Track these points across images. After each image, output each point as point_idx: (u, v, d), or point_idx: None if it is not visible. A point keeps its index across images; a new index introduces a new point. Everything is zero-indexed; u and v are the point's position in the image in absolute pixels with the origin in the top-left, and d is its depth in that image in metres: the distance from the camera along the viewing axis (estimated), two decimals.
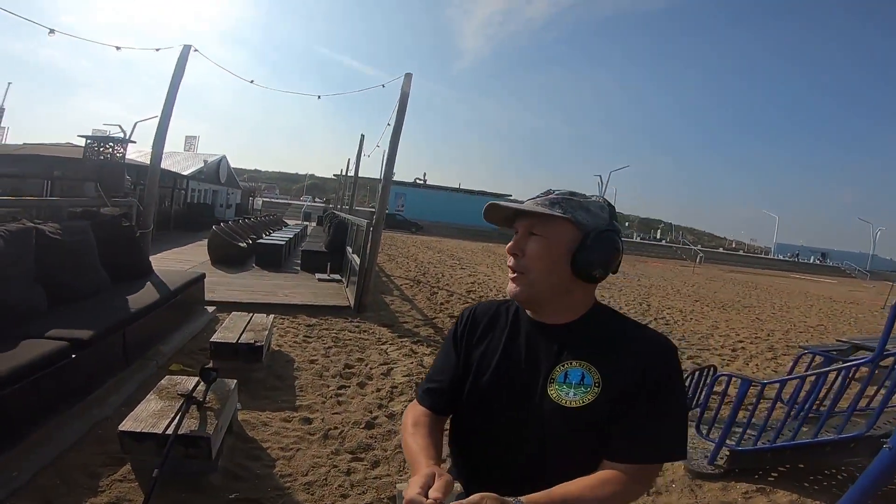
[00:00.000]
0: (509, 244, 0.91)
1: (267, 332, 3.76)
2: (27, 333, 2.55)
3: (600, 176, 49.99)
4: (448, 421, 1.03)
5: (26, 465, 2.08)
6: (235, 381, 2.62)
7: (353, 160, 18.70)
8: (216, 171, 22.64)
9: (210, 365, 3.24)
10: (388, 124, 6.82)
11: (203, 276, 5.22)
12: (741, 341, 7.08)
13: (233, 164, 26.18)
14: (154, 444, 1.96)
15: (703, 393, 3.10)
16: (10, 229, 2.84)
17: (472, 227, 35.44)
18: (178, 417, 1.97)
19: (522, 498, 0.69)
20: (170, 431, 1.91)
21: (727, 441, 2.71)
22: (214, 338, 3.48)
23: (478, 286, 10.25)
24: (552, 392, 0.85)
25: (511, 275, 0.90)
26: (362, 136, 17.22)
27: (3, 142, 21.76)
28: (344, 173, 25.21)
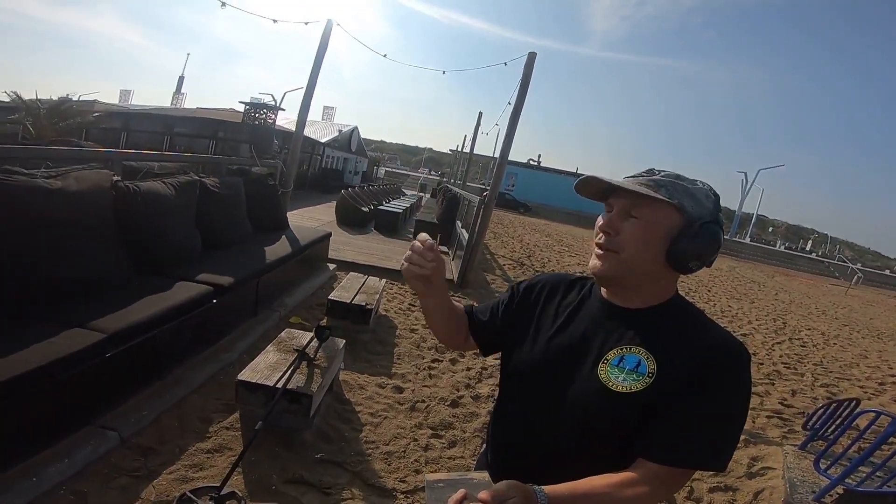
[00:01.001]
0: (601, 221, 0.83)
1: (378, 296, 3.93)
2: (182, 275, 2.91)
3: (745, 173, 43.11)
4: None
5: (154, 403, 2.30)
6: (344, 341, 2.77)
7: (469, 137, 18.76)
8: (348, 141, 24.51)
9: (325, 322, 3.48)
10: (509, 103, 6.62)
11: (329, 234, 5.65)
12: (894, 375, 6.04)
13: (362, 135, 28.03)
14: (263, 396, 2.13)
15: (838, 427, 2.90)
16: (180, 181, 3.30)
17: (586, 213, 33.52)
18: (288, 372, 2.11)
19: (546, 488, 0.66)
20: (279, 385, 2.04)
21: (846, 480, 2.45)
22: (332, 295, 3.72)
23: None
24: (602, 373, 0.80)
25: (598, 251, 0.83)
26: (480, 113, 17.24)
27: (182, 106, 25.73)
28: (460, 149, 25.48)
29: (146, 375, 2.38)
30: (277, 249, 4.18)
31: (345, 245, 7.41)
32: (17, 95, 10.89)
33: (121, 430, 2.05)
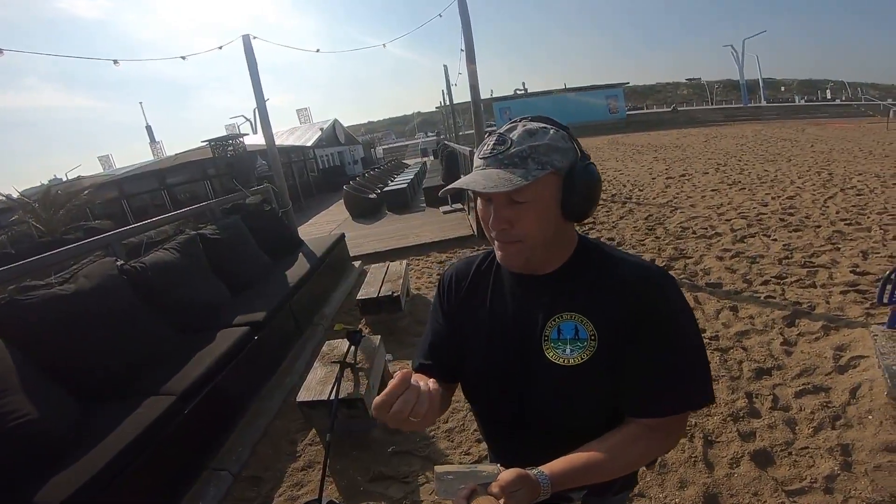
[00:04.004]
0: (489, 218, 0.75)
1: (402, 280, 3.97)
2: (220, 323, 3.07)
3: (731, 46, 41.27)
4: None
5: (246, 438, 2.56)
6: (380, 336, 2.84)
7: (446, 90, 18.24)
8: (333, 134, 24.25)
9: (354, 326, 3.57)
10: (462, 49, 6.41)
11: (342, 235, 5.70)
12: None
13: (347, 122, 27.66)
14: (324, 409, 2.26)
15: None
16: (180, 242, 3.38)
17: (589, 123, 32.59)
18: (335, 384, 2.18)
19: (545, 470, 0.66)
20: (332, 397, 2.13)
21: None
22: (359, 295, 3.80)
23: (608, 184, 9.39)
24: (549, 352, 0.77)
25: (499, 242, 0.77)
26: (445, 66, 16.62)
27: (164, 154, 25.91)
28: (443, 104, 24.81)
29: (230, 416, 2.65)
30: (298, 269, 4.27)
31: (363, 238, 7.49)
32: (7, 196, 11.20)
33: (230, 468, 2.34)
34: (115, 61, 5.06)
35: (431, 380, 0.66)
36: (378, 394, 0.64)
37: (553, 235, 0.76)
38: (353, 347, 2.52)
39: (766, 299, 3.33)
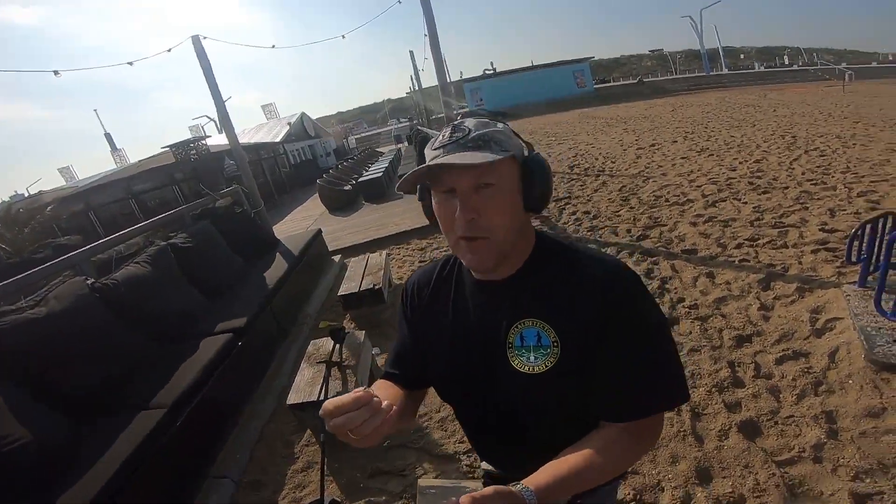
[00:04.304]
0: (452, 213, 0.70)
1: (383, 272, 3.92)
2: (202, 332, 3.01)
3: (689, 17, 42.47)
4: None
5: (243, 443, 2.54)
6: (364, 331, 2.82)
7: (414, 76, 18.06)
8: (302, 128, 23.69)
9: (339, 323, 3.52)
10: (425, 34, 6.30)
11: (319, 231, 5.60)
12: None
13: (316, 114, 27.15)
14: (316, 410, 2.20)
15: (883, 253, 2.31)
16: (150, 253, 3.28)
17: (559, 99, 33.25)
18: (323, 384, 2.16)
19: (531, 485, 0.62)
20: (322, 398, 2.10)
21: None
22: (341, 291, 3.74)
23: (580, 158, 9.47)
24: (514, 360, 0.75)
25: (466, 242, 0.71)
26: (411, 52, 16.43)
27: (127, 162, 24.95)
28: (413, 89, 24.52)
29: (223, 424, 2.62)
30: (276, 270, 4.18)
31: (341, 231, 7.39)
32: None
33: (230, 474, 2.33)
34: (56, 72, 4.79)
35: (387, 402, 0.61)
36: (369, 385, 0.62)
37: (519, 230, 0.74)
38: (337, 345, 2.49)
39: (740, 263, 3.42)
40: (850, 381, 2.07)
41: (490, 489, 0.56)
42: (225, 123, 5.51)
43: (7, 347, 2.16)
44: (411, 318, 0.90)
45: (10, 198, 17.49)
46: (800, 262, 3.24)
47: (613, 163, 8.34)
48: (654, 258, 3.85)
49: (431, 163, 0.68)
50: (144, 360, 2.66)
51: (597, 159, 9.01)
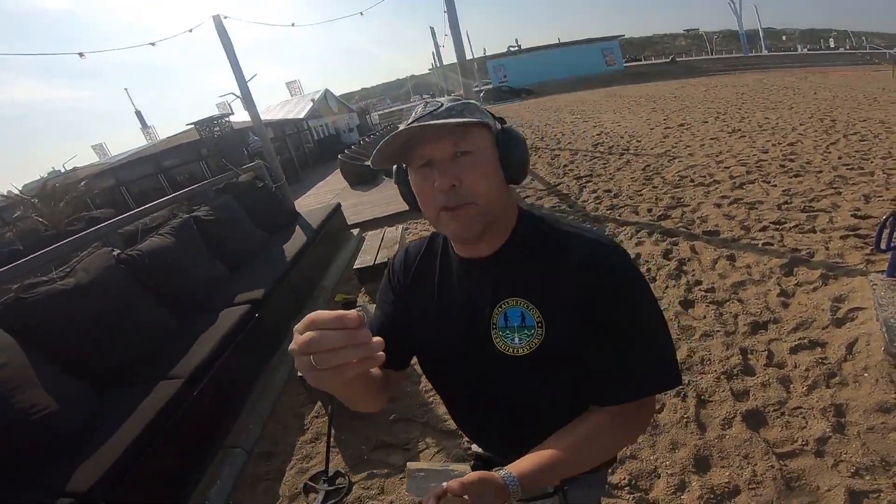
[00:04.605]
0: (431, 185, 0.68)
1: (398, 246, 3.97)
2: (222, 303, 3.10)
3: None
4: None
5: (256, 415, 2.63)
6: (375, 307, 2.83)
7: (435, 52, 17.76)
8: (326, 104, 23.73)
9: (354, 296, 3.59)
10: (444, 10, 6.17)
11: (338, 205, 5.69)
12: None
13: (340, 91, 27.16)
14: None
15: None
16: (173, 225, 3.38)
17: (586, 76, 32.32)
18: None
19: (513, 471, 0.61)
20: None
21: None
22: (356, 264, 3.80)
23: (605, 137, 9.18)
24: (497, 341, 0.73)
25: (449, 212, 0.68)
26: (432, 28, 16.04)
27: (157, 139, 25.56)
28: (435, 66, 24.17)
29: (238, 395, 2.72)
30: (295, 243, 4.28)
31: (361, 205, 7.48)
32: (7, 193, 11.29)
33: (243, 445, 2.42)
34: (81, 54, 4.89)
35: (378, 340, 0.47)
36: None
37: (503, 198, 0.72)
38: None
39: (763, 246, 3.31)
40: (866, 375, 1.99)
41: (474, 475, 0.56)
42: (247, 101, 5.57)
43: (38, 318, 2.25)
44: (395, 296, 0.87)
45: (49, 174, 18.21)
46: (827, 248, 3.10)
47: (639, 141, 8.08)
48: (674, 238, 3.76)
49: (410, 126, 0.65)
50: (166, 329, 2.76)
51: (622, 137, 8.74)
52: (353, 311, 0.46)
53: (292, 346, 0.47)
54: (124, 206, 13.20)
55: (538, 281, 0.71)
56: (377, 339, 0.46)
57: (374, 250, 3.94)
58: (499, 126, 0.74)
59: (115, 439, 1.92)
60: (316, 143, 20.39)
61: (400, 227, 4.54)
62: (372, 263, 3.65)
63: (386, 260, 3.62)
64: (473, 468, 0.96)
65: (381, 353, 0.46)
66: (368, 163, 0.71)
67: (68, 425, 1.96)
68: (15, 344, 2.08)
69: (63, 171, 18.20)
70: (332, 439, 2.16)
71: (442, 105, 0.69)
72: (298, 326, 0.48)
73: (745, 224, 3.74)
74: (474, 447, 0.99)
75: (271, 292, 3.33)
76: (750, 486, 1.62)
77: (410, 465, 0.65)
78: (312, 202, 9.38)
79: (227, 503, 2.10)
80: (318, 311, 0.47)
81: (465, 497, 0.54)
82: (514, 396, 0.76)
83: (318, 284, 4.32)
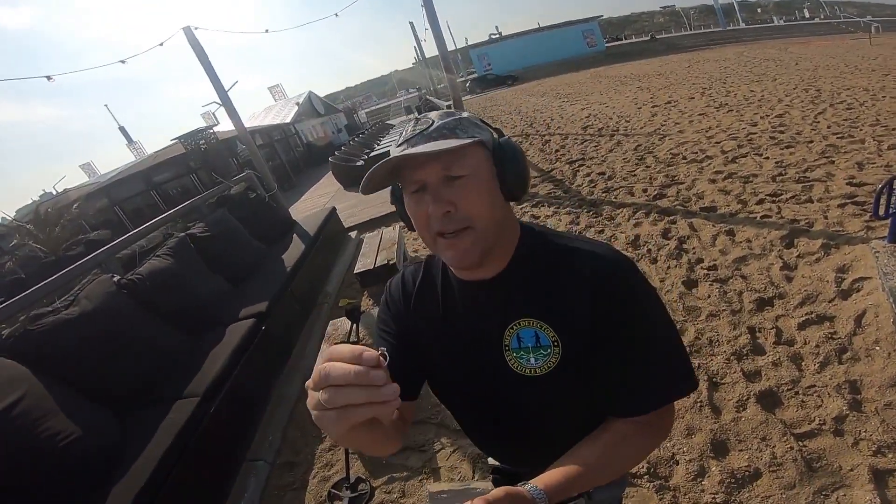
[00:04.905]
0: (426, 210, 0.66)
1: (397, 247, 3.92)
2: (228, 319, 3.10)
3: None
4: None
5: (275, 426, 2.63)
6: (377, 336, 2.82)
7: (417, 47, 17.69)
8: (311, 107, 23.59)
9: (358, 300, 3.56)
10: (422, 5, 6.19)
11: (333, 209, 5.65)
12: None
13: (324, 91, 27.07)
14: None
15: None
16: (170, 246, 3.36)
17: (569, 59, 32.83)
18: None
19: (539, 485, 0.60)
20: None
21: None
22: (356, 269, 3.75)
23: (594, 119, 9.18)
24: (513, 363, 0.72)
25: (446, 239, 0.66)
26: (411, 23, 15.94)
27: (145, 154, 25.43)
28: (418, 59, 24.09)
29: (254, 407, 2.72)
30: (294, 251, 4.26)
31: (356, 206, 7.45)
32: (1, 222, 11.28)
33: (265, 457, 2.42)
34: (49, 77, 4.81)
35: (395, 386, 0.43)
36: None
37: (501, 220, 0.70)
38: (354, 325, 2.55)
39: (762, 219, 3.31)
40: (878, 348, 1.97)
41: (500, 491, 0.56)
42: (230, 110, 5.52)
43: (48, 348, 2.25)
44: (397, 325, 0.83)
45: (40, 197, 18.11)
46: (825, 217, 3.11)
47: (628, 122, 8.07)
48: (672, 217, 3.77)
49: (393, 156, 0.64)
50: (175, 351, 2.75)
51: (611, 119, 8.73)
52: (374, 351, 0.42)
53: (308, 381, 0.45)
54: (120, 225, 13.16)
55: (547, 299, 0.70)
56: (393, 386, 0.42)
57: (373, 253, 3.92)
58: (496, 138, 0.71)
59: (141, 462, 1.93)
60: (305, 147, 20.29)
61: (397, 226, 4.52)
62: (372, 266, 3.64)
63: (386, 262, 3.62)
64: (494, 483, 0.96)
65: (396, 400, 0.42)
66: (363, 180, 0.67)
67: (95, 450, 1.97)
68: (29, 374, 2.08)
69: (54, 192, 18.12)
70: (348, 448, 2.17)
71: (432, 123, 0.66)
72: (319, 360, 0.46)
73: (742, 198, 3.75)
74: (490, 460, 0.99)
75: (275, 304, 3.33)
76: (771, 469, 1.60)
77: (431, 487, 0.64)
78: (308, 207, 9.38)
79: None
80: (338, 345, 0.44)
81: None
82: (533, 415, 0.76)
83: (321, 291, 4.32)
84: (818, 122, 5.45)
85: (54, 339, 2.29)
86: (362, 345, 0.44)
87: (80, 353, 2.33)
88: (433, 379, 0.84)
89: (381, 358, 0.42)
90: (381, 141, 14.07)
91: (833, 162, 4.05)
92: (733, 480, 1.61)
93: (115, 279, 2.84)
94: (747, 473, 1.62)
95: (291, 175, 16.24)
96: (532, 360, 0.70)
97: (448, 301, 0.79)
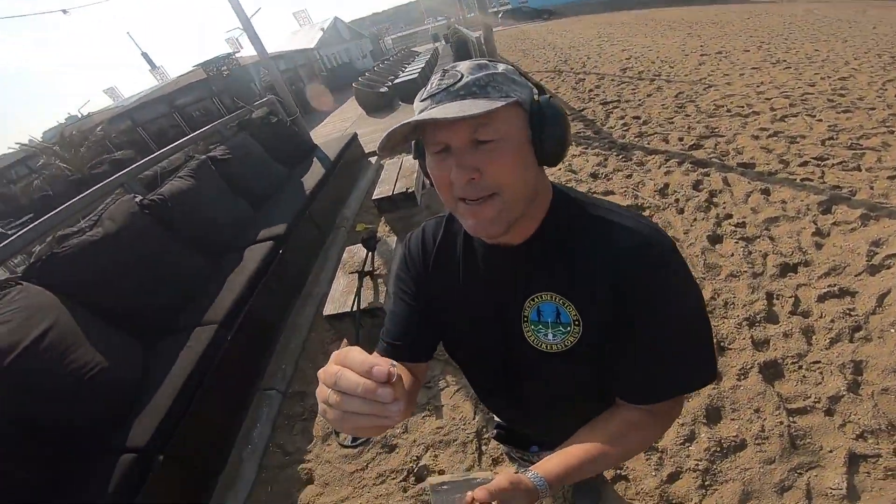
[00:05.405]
0: (448, 175, 0.59)
1: (416, 175, 3.85)
2: (247, 241, 3.14)
3: None
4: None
5: (287, 356, 2.68)
6: (396, 238, 2.83)
7: None
8: (336, 32, 22.66)
9: (374, 226, 3.56)
10: None
11: (355, 135, 5.56)
12: None
13: (350, 16, 26.05)
14: (350, 321, 2.34)
15: None
16: (191, 167, 3.36)
17: None
18: (356, 296, 2.25)
19: (541, 472, 0.60)
20: (354, 309, 2.21)
21: None
22: (374, 195, 3.72)
23: (635, 61, 8.56)
24: (529, 335, 0.69)
25: (468, 205, 0.60)
26: None
27: (168, 79, 25.11)
28: None
29: (270, 334, 2.78)
30: (313, 175, 4.24)
31: (378, 132, 7.37)
32: (27, 143, 11.63)
33: (278, 386, 2.47)
34: (64, 11, 4.59)
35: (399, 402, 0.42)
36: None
37: (532, 185, 0.62)
38: (370, 254, 2.56)
39: (802, 182, 3.13)
40: (893, 331, 1.89)
41: (503, 479, 0.56)
42: (252, 38, 5.32)
43: (74, 272, 2.24)
44: (415, 284, 0.80)
45: (66, 119, 18.38)
46: (871, 188, 2.90)
47: (672, 67, 7.52)
48: (706, 169, 3.59)
49: (415, 118, 0.56)
50: (196, 273, 2.78)
51: (653, 63, 8.14)
52: (387, 366, 0.41)
53: (321, 371, 0.45)
54: (144, 146, 13.31)
55: (574, 274, 0.65)
56: (398, 404, 0.41)
57: (392, 180, 3.86)
58: (536, 96, 0.61)
59: (162, 391, 1.96)
60: (329, 72, 19.71)
61: None
62: (390, 194, 3.60)
63: (405, 190, 3.56)
64: (498, 438, 0.99)
65: (400, 415, 0.42)
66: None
67: (120, 380, 1.99)
68: (58, 302, 2.07)
69: (79, 116, 18.32)
70: None
71: (461, 78, 0.57)
72: (334, 357, 0.45)
73: (784, 158, 3.53)
74: (496, 417, 1.00)
75: (293, 227, 3.35)
76: (756, 441, 1.61)
77: (431, 480, 0.64)
78: (329, 131, 9.34)
79: (268, 447, 2.18)
80: (355, 350, 0.43)
81: (494, 503, 0.53)
82: (543, 388, 0.75)
83: (338, 215, 4.34)
84: (885, 89, 4.95)
85: (80, 261, 2.28)
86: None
87: (104, 276, 2.33)
88: (447, 341, 0.82)
89: (390, 373, 0.41)
90: (405, 68, 13.53)
91: (893, 132, 3.72)
92: (719, 449, 1.62)
93: (136, 199, 2.86)
94: (733, 444, 1.63)
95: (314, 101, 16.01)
96: (550, 336, 0.67)
97: (468, 265, 0.75)
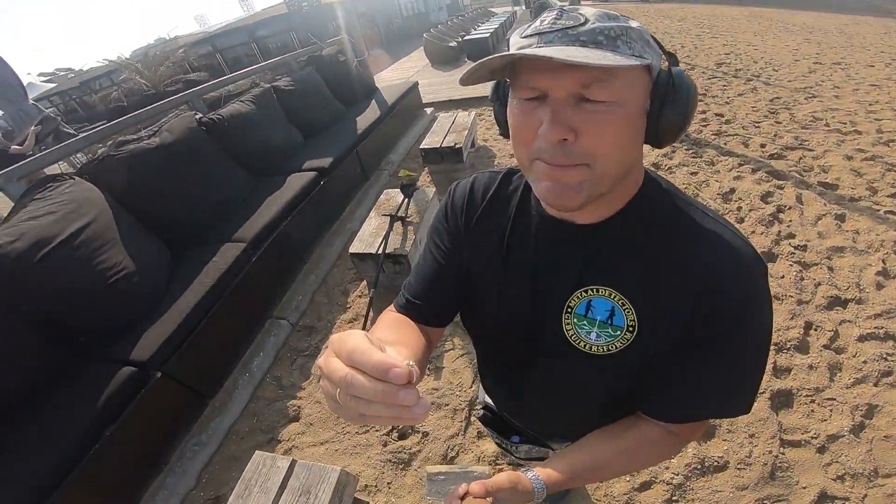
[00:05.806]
0: (534, 128, 0.48)
1: (467, 132, 3.78)
2: (292, 168, 3.24)
3: None
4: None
5: (306, 287, 2.72)
6: (434, 190, 2.81)
7: None
8: None
9: (417, 174, 3.55)
10: None
11: (416, 84, 5.51)
12: None
13: None
14: (373, 262, 2.36)
15: None
16: (254, 94, 3.47)
17: None
18: (384, 239, 2.27)
19: (541, 475, 0.58)
20: (379, 252, 2.25)
21: None
22: (423, 144, 3.68)
23: (734, 58, 7.82)
24: (569, 328, 0.60)
25: (553, 172, 0.49)
26: None
27: (252, 11, 25.84)
28: None
29: (293, 264, 2.84)
30: (368, 116, 4.26)
31: (439, 85, 7.26)
32: (114, 59, 12.53)
33: (289, 317, 2.52)
34: None
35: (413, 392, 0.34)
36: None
37: (630, 164, 0.52)
38: (406, 200, 2.57)
39: (885, 214, 2.80)
40: None
41: (503, 477, 0.54)
42: None
43: (125, 174, 2.35)
44: (451, 239, 0.70)
45: (155, 41, 19.71)
46: None
47: (776, 70, 6.80)
48: (781, 182, 3.30)
49: (521, 52, 0.45)
50: (239, 191, 2.90)
51: (755, 62, 7.39)
52: (404, 366, 0.34)
53: (321, 361, 0.38)
54: (218, 70, 14.01)
55: (646, 276, 0.55)
56: (424, 404, 0.34)
57: (442, 132, 3.81)
58: (665, 66, 0.51)
59: (178, 305, 1.97)
60: (404, 20, 19.58)
61: (473, 112, 4.30)
62: (439, 146, 3.57)
63: (453, 144, 3.52)
64: (481, 419, 0.92)
65: (422, 417, 0.35)
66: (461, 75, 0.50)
67: (143, 288, 2.01)
68: (103, 200, 2.17)
69: (167, 38, 19.49)
70: (369, 323, 2.27)
71: (585, 22, 0.46)
72: (335, 345, 0.37)
73: (874, 185, 3.16)
74: (488, 399, 0.92)
75: (339, 161, 3.41)
76: (738, 466, 1.57)
77: (429, 468, 0.64)
78: (393, 76, 9.37)
79: (265, 378, 2.19)
80: (362, 344, 0.35)
81: (488, 499, 0.53)
82: (563, 387, 0.67)
83: (384, 158, 4.38)
84: None
85: (132, 165, 2.39)
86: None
87: (151, 182, 2.44)
88: (466, 308, 0.73)
89: (410, 373, 0.35)
90: (478, 26, 13.10)
91: None
92: (699, 467, 1.59)
93: (196, 116, 2.98)
94: (715, 464, 1.60)
95: (386, 45, 16.05)
96: (593, 336, 0.59)
97: (516, 232, 0.64)
